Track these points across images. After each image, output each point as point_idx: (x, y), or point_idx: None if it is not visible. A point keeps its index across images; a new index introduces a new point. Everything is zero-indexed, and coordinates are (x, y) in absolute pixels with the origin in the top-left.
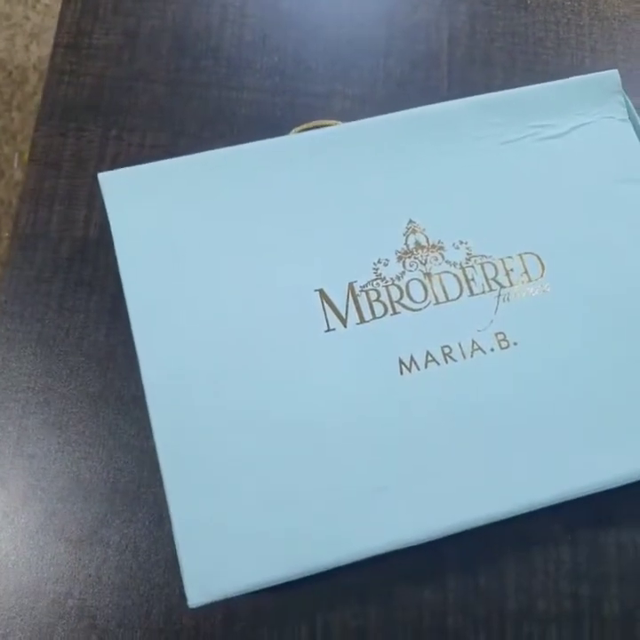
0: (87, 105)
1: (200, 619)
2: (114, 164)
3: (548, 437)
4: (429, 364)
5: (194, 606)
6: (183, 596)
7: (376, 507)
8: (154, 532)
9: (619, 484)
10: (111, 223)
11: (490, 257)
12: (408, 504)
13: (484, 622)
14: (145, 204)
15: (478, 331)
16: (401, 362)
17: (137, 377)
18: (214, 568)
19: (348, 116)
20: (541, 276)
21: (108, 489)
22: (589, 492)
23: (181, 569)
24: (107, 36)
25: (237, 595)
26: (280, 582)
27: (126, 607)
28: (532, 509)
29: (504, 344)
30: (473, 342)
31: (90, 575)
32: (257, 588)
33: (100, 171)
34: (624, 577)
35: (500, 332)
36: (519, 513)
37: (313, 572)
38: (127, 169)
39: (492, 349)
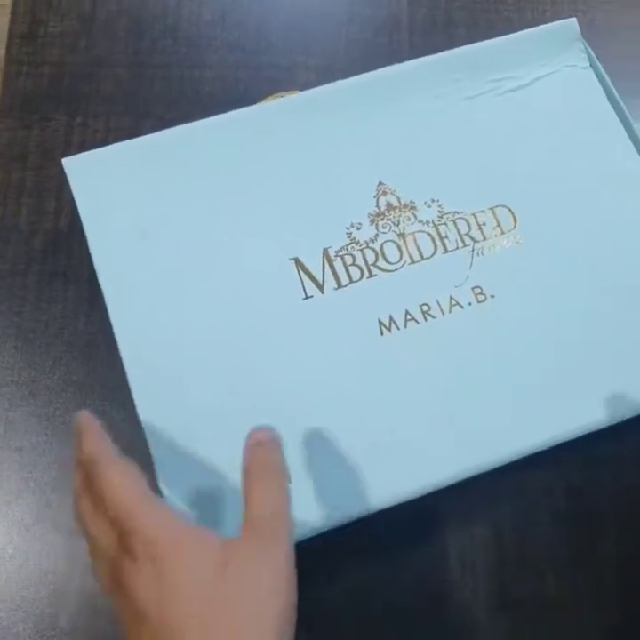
0: (48, 94)
1: None
2: (81, 152)
3: (532, 384)
4: (409, 322)
5: None
6: None
7: (369, 465)
8: None
9: (603, 426)
10: (79, 206)
11: (462, 213)
12: (400, 459)
13: (484, 572)
14: (112, 184)
15: (455, 286)
16: (380, 323)
17: (120, 362)
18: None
19: (312, 86)
20: (514, 227)
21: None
22: (576, 436)
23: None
24: (62, 23)
25: None
26: None
27: None
28: (522, 456)
29: (481, 297)
30: (450, 298)
31: (87, 563)
32: None
33: None
34: (620, 520)
35: (477, 286)
36: (509, 461)
37: (310, 535)
38: (92, 152)
39: (470, 303)
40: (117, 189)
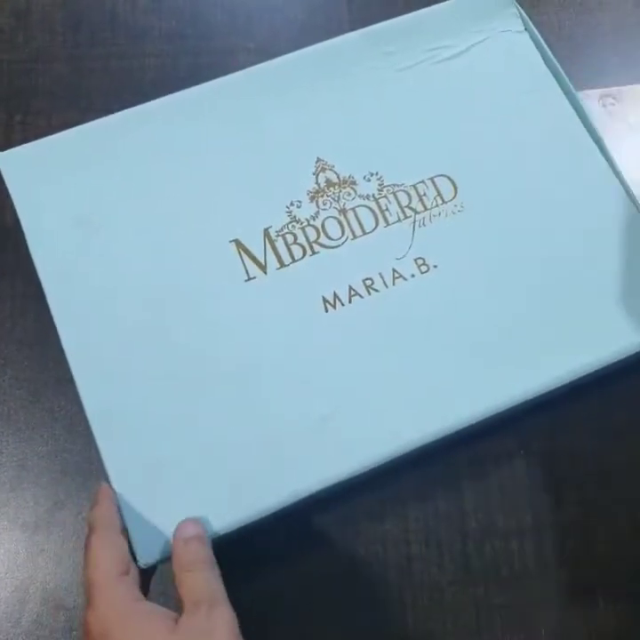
0: None
1: (167, 585)
2: None
3: (478, 350)
4: (353, 298)
5: (144, 566)
6: None
7: (319, 440)
8: None
9: (550, 389)
10: (15, 201)
11: (402, 185)
12: (351, 433)
13: (447, 545)
14: (47, 177)
15: (397, 259)
16: (325, 300)
17: None
18: (160, 525)
19: None
20: (454, 196)
21: (57, 471)
22: (524, 400)
23: (128, 530)
24: None
25: None
26: (231, 529)
27: None
28: (472, 422)
29: (424, 268)
30: (393, 271)
31: (50, 558)
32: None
33: None
34: (580, 485)
35: (420, 257)
36: (459, 428)
37: (264, 514)
38: (26, 145)
39: (413, 275)
40: (52, 181)
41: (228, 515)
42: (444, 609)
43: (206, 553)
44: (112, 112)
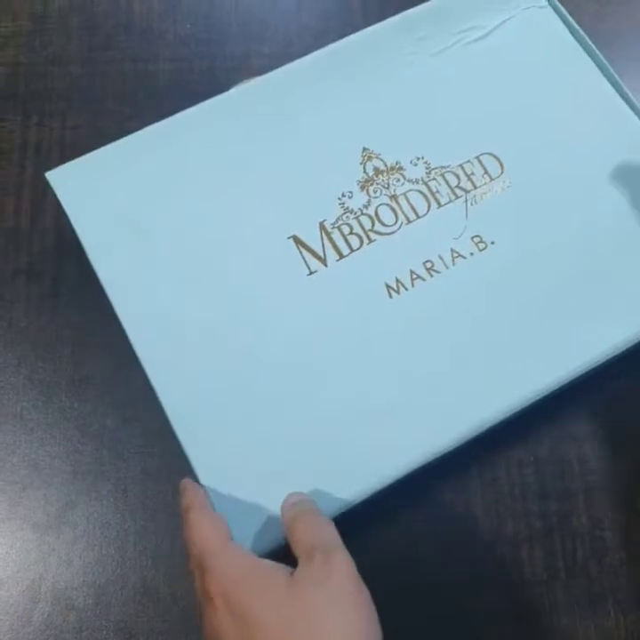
0: (3, 95)
1: (176, 586)
2: (38, 152)
3: (542, 323)
4: (415, 281)
5: None
6: (160, 564)
7: (390, 427)
8: (120, 506)
9: (613, 356)
10: (70, 216)
11: (448, 166)
12: (423, 420)
13: (457, 550)
14: (99, 189)
15: (454, 239)
16: (388, 286)
17: (87, 358)
18: (248, 521)
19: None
20: (502, 172)
21: (69, 472)
22: (585, 370)
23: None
24: (14, 23)
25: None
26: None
27: (101, 584)
28: (540, 395)
29: (482, 245)
30: (452, 251)
31: (60, 558)
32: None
33: (24, 159)
34: (589, 490)
35: (476, 235)
36: (534, 400)
37: (343, 509)
38: (73, 162)
39: (472, 254)
40: (105, 193)
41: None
42: (452, 612)
43: (313, 505)
44: (126, 115)
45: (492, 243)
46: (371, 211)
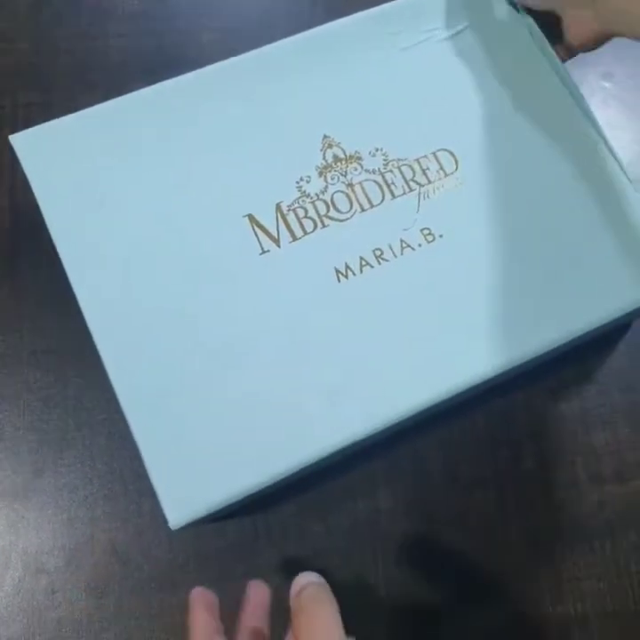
0: None
1: (145, 546)
2: None
3: (484, 315)
4: (364, 268)
5: (176, 528)
6: (128, 525)
7: (333, 406)
8: (87, 471)
9: (554, 347)
10: (31, 182)
11: (405, 159)
12: (365, 397)
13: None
14: (63, 157)
15: (404, 230)
16: (337, 271)
17: (47, 330)
18: (188, 487)
19: (217, 48)
20: (456, 169)
21: (34, 441)
22: (529, 358)
23: (157, 494)
24: None
25: (213, 511)
26: (252, 491)
27: (71, 547)
28: (480, 382)
29: (430, 238)
30: (401, 241)
31: (30, 524)
32: (227, 503)
33: None
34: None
35: (426, 228)
36: (464, 389)
37: (284, 476)
38: (38, 127)
39: (420, 245)
40: (69, 161)
41: (241, 480)
42: (409, 555)
43: (319, 592)
44: (77, 92)
45: (441, 236)
46: (327, 196)
